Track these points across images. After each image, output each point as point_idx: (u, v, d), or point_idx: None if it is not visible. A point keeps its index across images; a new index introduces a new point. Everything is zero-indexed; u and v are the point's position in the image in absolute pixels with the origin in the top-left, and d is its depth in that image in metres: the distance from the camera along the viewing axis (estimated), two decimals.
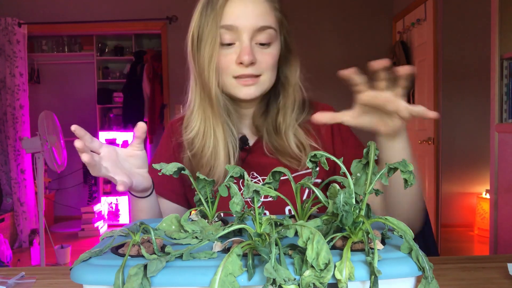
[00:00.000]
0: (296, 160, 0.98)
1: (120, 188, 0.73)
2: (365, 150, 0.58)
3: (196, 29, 0.94)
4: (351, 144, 1.04)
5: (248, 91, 0.94)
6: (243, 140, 1.02)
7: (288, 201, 0.62)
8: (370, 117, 0.76)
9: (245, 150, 1.02)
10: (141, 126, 0.79)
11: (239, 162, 0.99)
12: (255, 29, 0.90)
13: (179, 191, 1.04)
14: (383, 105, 0.71)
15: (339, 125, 1.03)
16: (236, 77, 0.93)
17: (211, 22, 0.90)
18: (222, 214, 0.70)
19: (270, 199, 0.98)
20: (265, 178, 0.81)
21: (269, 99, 1.02)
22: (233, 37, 0.91)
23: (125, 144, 5.14)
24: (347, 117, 0.77)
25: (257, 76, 0.94)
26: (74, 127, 0.69)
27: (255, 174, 1.02)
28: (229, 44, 0.92)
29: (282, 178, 0.89)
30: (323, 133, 1.03)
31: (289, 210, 0.98)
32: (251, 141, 1.04)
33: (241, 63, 0.91)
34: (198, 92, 0.97)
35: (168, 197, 1.03)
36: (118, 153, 0.79)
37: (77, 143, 0.66)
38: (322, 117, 0.76)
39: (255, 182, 1.00)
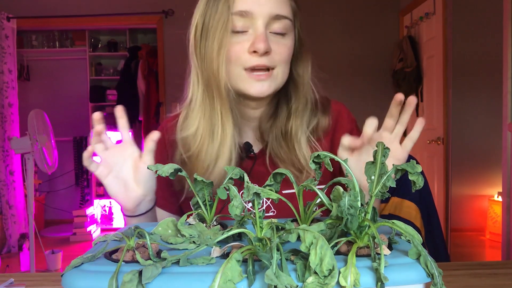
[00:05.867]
0: (300, 173, 0.94)
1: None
2: (373, 151, 0.57)
3: (201, 18, 0.89)
4: None
5: (260, 87, 0.88)
6: (247, 146, 0.97)
7: (290, 204, 0.63)
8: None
9: (250, 159, 0.98)
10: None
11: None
12: (271, 17, 0.86)
13: (171, 199, 1.01)
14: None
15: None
16: (248, 70, 0.88)
17: (222, 7, 0.86)
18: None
19: (271, 213, 0.99)
20: None
21: (278, 101, 0.98)
22: (247, 24, 0.86)
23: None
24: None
25: (271, 69, 0.89)
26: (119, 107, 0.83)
27: None
28: (241, 32, 0.87)
29: (286, 191, 0.93)
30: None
31: None
32: (255, 149, 0.99)
33: (254, 51, 0.85)
34: (201, 87, 0.92)
35: (160, 204, 1.01)
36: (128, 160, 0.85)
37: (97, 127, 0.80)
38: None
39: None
